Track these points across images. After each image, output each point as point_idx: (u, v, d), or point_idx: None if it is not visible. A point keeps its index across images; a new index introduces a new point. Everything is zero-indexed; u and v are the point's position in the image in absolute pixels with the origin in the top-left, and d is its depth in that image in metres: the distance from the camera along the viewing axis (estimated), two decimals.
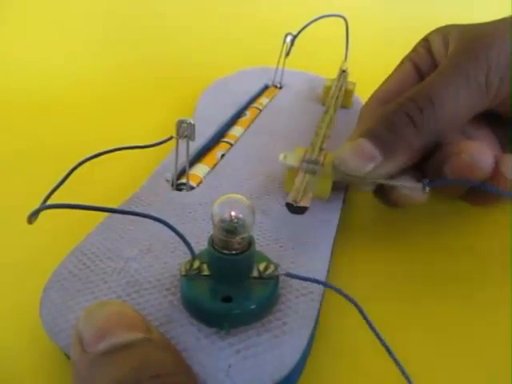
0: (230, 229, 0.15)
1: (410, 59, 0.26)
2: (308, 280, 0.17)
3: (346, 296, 0.17)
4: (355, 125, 0.28)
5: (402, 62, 0.27)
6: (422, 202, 0.22)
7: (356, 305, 0.16)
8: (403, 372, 0.15)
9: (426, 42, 0.26)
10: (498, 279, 0.23)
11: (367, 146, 0.21)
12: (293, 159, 0.23)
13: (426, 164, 0.23)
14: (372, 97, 0.27)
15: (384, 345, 0.16)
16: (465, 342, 0.20)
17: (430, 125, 0.21)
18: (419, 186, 0.21)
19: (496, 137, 0.24)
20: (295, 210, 0.22)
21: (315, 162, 0.24)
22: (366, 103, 0.27)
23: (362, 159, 0.21)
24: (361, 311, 0.16)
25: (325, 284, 0.18)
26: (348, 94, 0.36)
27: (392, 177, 0.22)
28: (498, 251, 0.25)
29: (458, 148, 0.21)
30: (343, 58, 0.39)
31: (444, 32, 0.24)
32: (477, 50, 0.21)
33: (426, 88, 0.21)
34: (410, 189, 0.21)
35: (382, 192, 0.23)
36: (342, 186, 0.25)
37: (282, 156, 0.24)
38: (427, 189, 0.21)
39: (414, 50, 0.26)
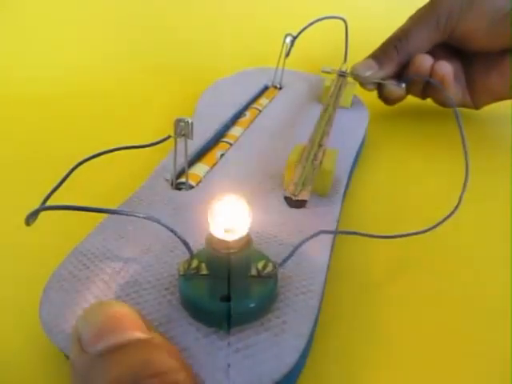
0: (227, 228, 0.15)
1: (412, 18, 0.39)
2: (308, 239, 0.18)
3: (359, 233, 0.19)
4: (355, 124, 0.34)
5: (406, 21, 0.39)
6: (401, 96, 0.38)
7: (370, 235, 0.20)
8: None
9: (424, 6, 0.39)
10: None
11: (370, 61, 0.37)
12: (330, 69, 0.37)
13: (402, 74, 0.38)
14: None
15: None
16: None
17: (405, 50, 0.36)
18: (398, 83, 0.36)
19: (462, 65, 0.38)
20: (294, 203, 0.22)
21: (314, 157, 0.24)
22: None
23: (367, 68, 0.37)
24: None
25: (333, 232, 0.19)
26: (347, 94, 0.36)
27: (383, 80, 0.37)
28: None
29: (414, 59, 0.36)
30: (343, 58, 0.39)
31: None
32: (433, 3, 0.36)
33: (404, 29, 0.37)
34: (393, 85, 0.37)
35: (380, 91, 0.38)
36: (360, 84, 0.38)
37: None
38: (403, 85, 0.36)
39: (417, 11, 0.39)
